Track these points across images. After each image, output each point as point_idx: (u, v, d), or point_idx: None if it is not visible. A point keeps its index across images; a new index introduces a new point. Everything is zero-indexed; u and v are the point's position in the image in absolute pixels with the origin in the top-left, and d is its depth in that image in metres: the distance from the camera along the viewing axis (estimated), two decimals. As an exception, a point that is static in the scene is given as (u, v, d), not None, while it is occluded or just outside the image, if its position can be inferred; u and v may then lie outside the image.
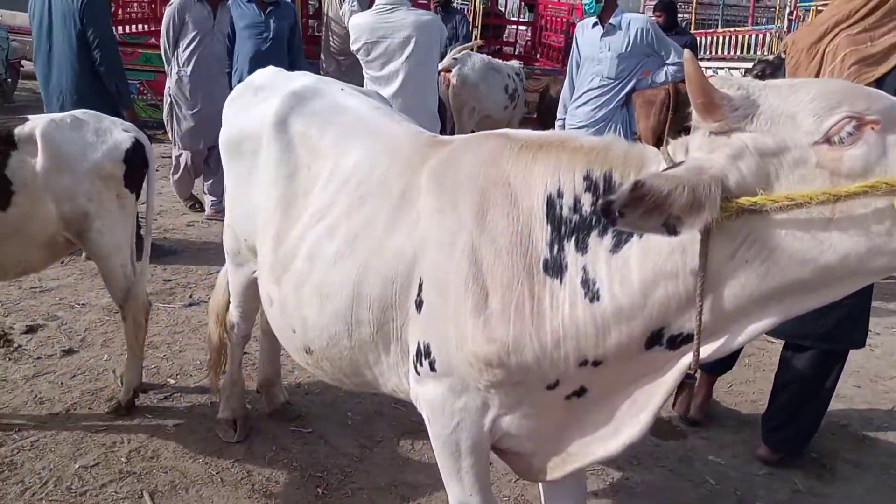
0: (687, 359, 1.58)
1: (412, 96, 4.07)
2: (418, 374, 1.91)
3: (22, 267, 3.12)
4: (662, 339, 1.58)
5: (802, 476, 3.16)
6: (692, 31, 10.98)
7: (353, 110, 2.31)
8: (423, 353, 1.86)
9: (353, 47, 4.22)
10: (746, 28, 10.05)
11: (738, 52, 9.53)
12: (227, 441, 3.08)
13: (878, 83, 2.65)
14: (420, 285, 1.85)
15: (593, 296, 1.59)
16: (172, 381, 3.58)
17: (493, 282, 1.69)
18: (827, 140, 1.26)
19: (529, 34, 12.66)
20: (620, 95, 4.90)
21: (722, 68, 9.55)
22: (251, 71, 5.17)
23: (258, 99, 2.51)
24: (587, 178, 1.62)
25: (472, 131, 7.86)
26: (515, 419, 1.84)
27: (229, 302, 2.95)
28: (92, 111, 3.26)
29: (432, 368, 1.85)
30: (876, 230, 1.27)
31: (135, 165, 3.13)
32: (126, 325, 3.25)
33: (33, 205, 2.92)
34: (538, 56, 11.86)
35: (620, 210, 1.27)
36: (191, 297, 4.61)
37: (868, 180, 1.24)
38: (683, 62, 4.10)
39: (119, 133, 3.13)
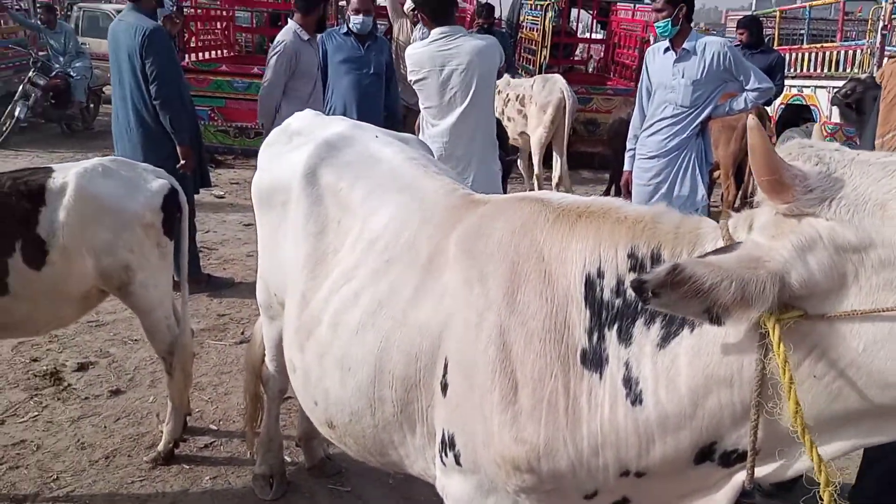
0: (742, 476, 1.32)
1: (473, 126, 3.89)
2: (444, 464, 1.70)
3: (55, 324, 3.07)
4: (714, 455, 1.33)
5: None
6: (776, 48, 10.45)
7: (387, 161, 2.12)
8: (449, 444, 1.65)
9: (410, 78, 4.07)
10: (835, 44, 9.39)
11: (826, 70, 8.91)
12: (263, 498, 2.93)
13: None
14: (445, 366, 1.64)
15: (636, 398, 1.35)
16: (214, 427, 3.48)
17: (523, 372, 1.47)
18: None
19: (602, 52, 12.35)
20: (695, 124, 4.57)
21: (808, 87, 8.98)
22: (356, 107, 5.16)
23: (292, 146, 2.36)
24: (632, 255, 1.39)
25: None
26: None
27: (265, 354, 2.80)
28: (122, 159, 3.22)
29: (457, 462, 1.64)
30: None
31: (171, 212, 3.03)
32: (173, 377, 3.14)
33: (69, 262, 2.83)
34: (611, 75, 11.53)
35: (654, 290, 1.06)
36: (243, 333, 4.52)
37: None
38: (765, 89, 3.72)
39: (154, 180, 3.05)
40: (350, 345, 1.86)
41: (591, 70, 12.61)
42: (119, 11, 12.01)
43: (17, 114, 9.61)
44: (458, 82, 3.83)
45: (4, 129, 9.55)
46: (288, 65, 4.94)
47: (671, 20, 4.41)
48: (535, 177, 7.62)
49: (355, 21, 5.16)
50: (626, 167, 5.04)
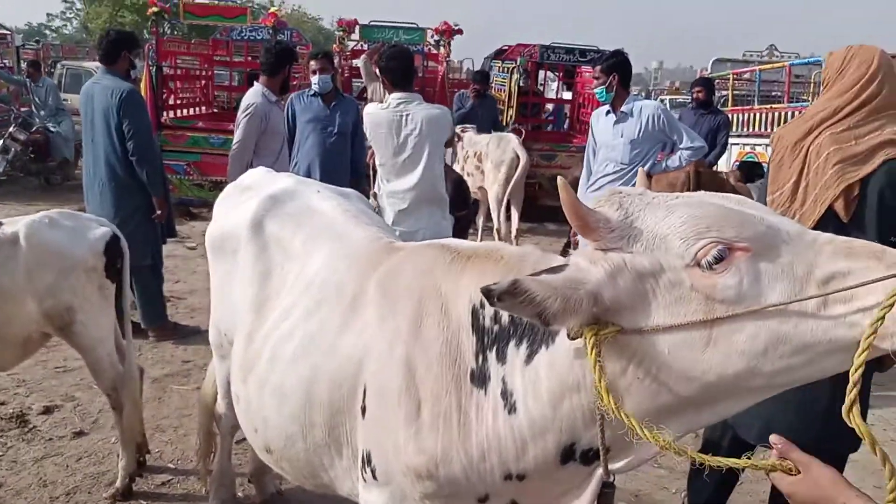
0: (601, 470, 1.57)
1: (424, 188, 4.19)
2: (364, 480, 1.91)
3: None
4: (576, 454, 1.57)
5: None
6: (730, 107, 10.99)
7: (324, 213, 2.39)
8: (367, 461, 1.87)
9: (368, 134, 4.37)
10: (783, 105, 9.98)
11: (774, 129, 9.48)
12: (215, 531, 3.09)
13: (862, 183, 2.60)
14: (364, 391, 1.88)
15: (511, 407, 1.59)
16: (173, 466, 3.64)
17: (425, 392, 1.72)
18: (697, 264, 1.26)
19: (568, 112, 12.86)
20: (634, 181, 4.90)
21: (760, 145, 9.49)
22: (320, 164, 5.42)
23: (243, 199, 2.63)
24: None
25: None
26: None
27: (217, 393, 3.01)
28: (68, 211, 3.45)
29: (374, 476, 1.86)
30: (750, 353, 1.26)
31: (113, 258, 3.28)
32: (121, 413, 3.33)
33: (15, 306, 3.05)
34: (576, 133, 12.02)
35: (498, 296, 1.29)
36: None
37: (740, 306, 1.24)
38: (697, 147, 4.10)
39: (97, 228, 3.30)
40: (285, 375, 2.10)
41: (564, 127, 13.13)
42: (100, 70, 12.41)
43: (-4, 167, 9.85)
44: (412, 147, 4.14)
45: (-17, 182, 9.77)
46: (258, 125, 5.23)
47: (605, 87, 4.80)
48: (495, 230, 7.93)
49: (314, 81, 5.48)
50: (576, 221, 5.35)
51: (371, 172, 4.83)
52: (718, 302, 1.26)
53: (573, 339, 1.42)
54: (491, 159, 7.87)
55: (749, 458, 1.36)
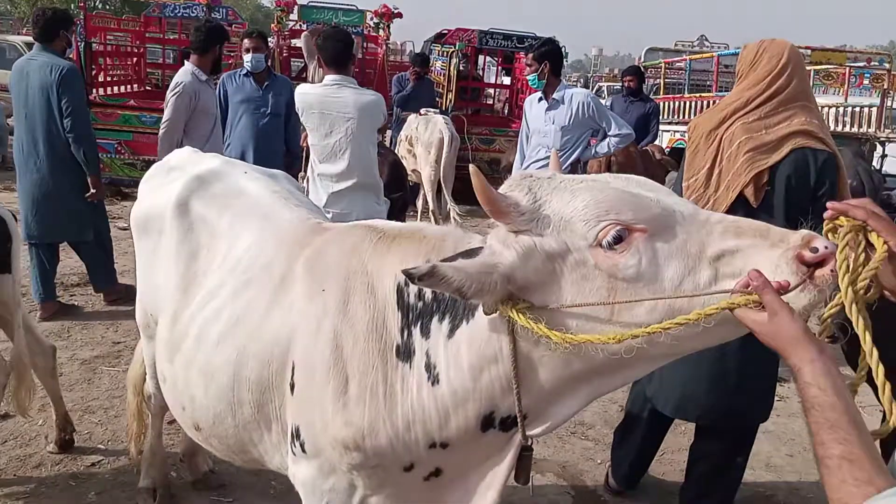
0: (520, 436, 1.67)
1: (356, 172, 4.20)
2: (294, 454, 1.97)
3: None
4: (495, 422, 1.66)
5: (719, 549, 3.17)
6: (662, 95, 11.30)
7: (251, 194, 2.42)
8: (295, 435, 1.93)
9: (300, 114, 4.37)
10: (711, 94, 10.34)
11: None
12: (146, 510, 3.10)
13: (771, 170, 2.77)
14: (293, 369, 1.93)
15: (434, 379, 1.68)
16: (103, 447, 3.62)
17: (352, 367, 1.79)
18: (599, 245, 1.37)
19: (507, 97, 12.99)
20: (565, 166, 5.05)
21: (683, 132, 9.78)
22: (253, 146, 5.36)
23: (168, 179, 2.63)
24: None
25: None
26: (382, 500, 1.90)
27: (146, 372, 3.01)
28: None
29: (303, 450, 1.91)
30: (649, 325, 1.37)
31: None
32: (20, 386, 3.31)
33: None
34: (515, 119, 12.15)
35: (419, 278, 1.39)
36: (137, 360, 4.65)
37: (639, 283, 1.36)
38: (625, 135, 4.27)
39: None
40: (212, 355, 2.13)
41: (505, 113, 13.23)
42: (28, 44, 11.90)
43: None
44: (343, 131, 4.15)
45: None
46: (187, 104, 5.16)
47: (538, 74, 4.93)
48: (430, 212, 8.01)
49: (247, 60, 5.41)
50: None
51: (304, 154, 4.83)
52: (620, 280, 1.38)
53: (489, 314, 1.51)
54: (421, 142, 7.95)
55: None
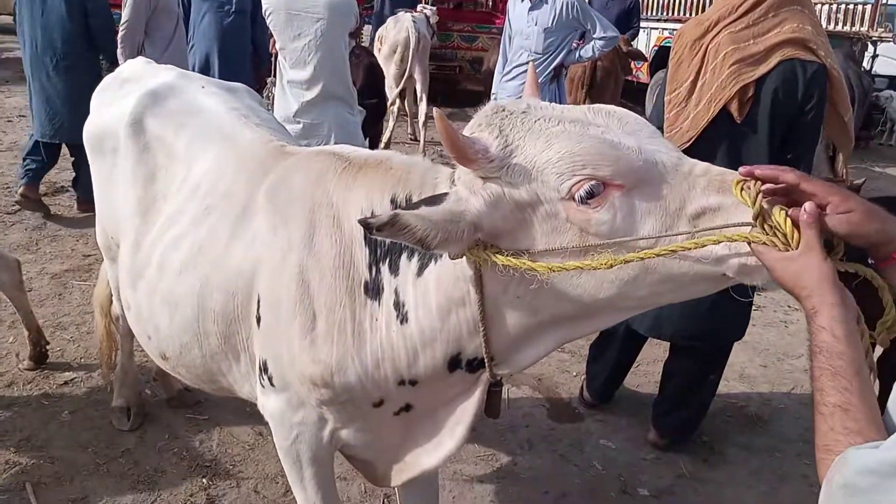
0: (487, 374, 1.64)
1: (327, 77, 3.98)
2: (262, 386, 1.94)
3: None
4: (461, 363, 1.63)
5: (689, 460, 3.25)
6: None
7: (210, 111, 2.27)
8: (263, 368, 1.89)
9: (266, 16, 4.10)
10: (704, -13, 9.93)
11: (694, 14, 9.43)
12: (121, 429, 3.10)
13: (757, 83, 2.63)
14: (259, 301, 1.86)
15: (403, 318, 1.63)
16: (76, 365, 3.58)
17: (319, 303, 1.72)
18: (572, 198, 1.26)
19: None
20: (548, 70, 4.86)
21: (671, 29, 9.47)
22: (218, 48, 5.07)
23: (122, 93, 2.46)
24: (392, 201, 1.65)
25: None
26: (352, 433, 1.89)
27: (112, 294, 2.93)
28: None
29: (272, 383, 1.88)
30: (621, 281, 1.31)
31: None
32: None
33: None
34: (499, 14, 11.65)
35: (377, 227, 1.30)
36: (109, 273, 4.57)
37: (612, 239, 1.27)
38: (610, 38, 4.06)
39: None
40: (175, 284, 2.05)
41: (489, 6, 12.65)
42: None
43: None
44: (312, 33, 3.90)
45: None
46: (147, 3, 4.85)
47: (520, -30, 4.63)
48: (389, 111, 7.76)
49: None
50: (489, 109, 5.30)
51: (273, 58, 4.57)
52: (592, 235, 1.29)
53: (455, 259, 1.43)
54: (388, 41, 7.66)
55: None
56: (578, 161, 1.26)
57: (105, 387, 3.35)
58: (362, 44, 7.40)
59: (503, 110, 1.37)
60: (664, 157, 1.29)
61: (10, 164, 6.32)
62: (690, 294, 1.37)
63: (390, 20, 7.91)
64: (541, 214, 1.32)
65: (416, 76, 7.76)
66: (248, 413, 3.27)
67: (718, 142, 2.70)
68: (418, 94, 7.98)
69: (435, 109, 1.32)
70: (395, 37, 7.65)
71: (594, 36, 4.75)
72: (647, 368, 3.97)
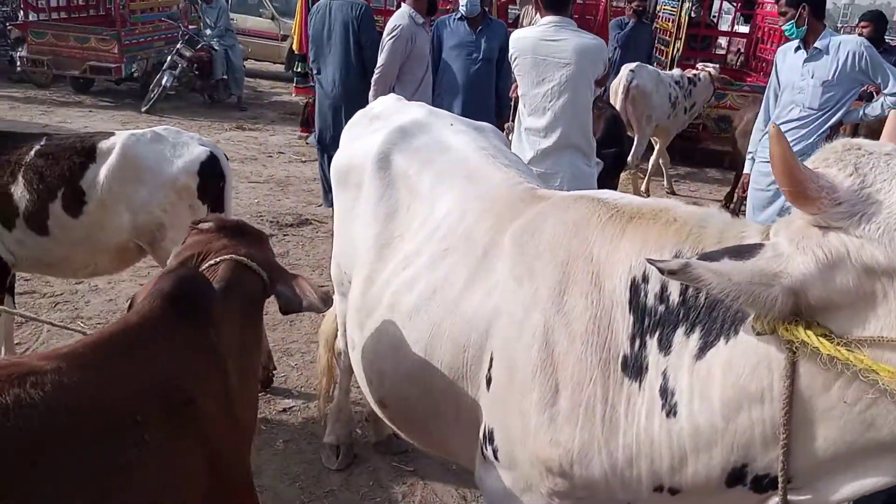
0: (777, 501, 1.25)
1: (567, 125, 3.78)
2: (484, 457, 1.71)
3: (90, 270, 3.36)
4: (746, 479, 1.26)
5: None
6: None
7: (457, 149, 2.13)
8: (488, 438, 1.66)
9: (512, 61, 4.01)
10: None
11: None
12: (328, 467, 3.04)
13: None
14: (491, 360, 1.64)
15: (670, 409, 1.30)
16: (296, 393, 3.62)
17: (564, 375, 1.45)
18: None
19: (744, 47, 11.65)
20: (823, 128, 4.23)
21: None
22: (463, 95, 5.20)
23: (371, 129, 2.41)
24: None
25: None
26: None
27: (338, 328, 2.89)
28: (173, 128, 3.42)
29: (495, 457, 1.64)
30: None
31: (209, 178, 3.22)
32: None
33: (106, 214, 3.10)
34: (750, 72, 10.87)
35: (668, 271, 1.08)
36: (337, 305, 4.67)
37: None
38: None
39: (196, 147, 3.24)
40: (404, 328, 1.90)
41: (736, 65, 11.92)
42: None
43: (164, 82, 10.27)
44: (557, 78, 3.73)
45: (153, 96, 10.25)
46: (403, 48, 5.00)
47: (795, 21, 4.10)
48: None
49: (462, 3, 5.15)
50: (745, 170, 4.78)
51: (513, 105, 4.47)
52: None
53: (760, 334, 1.09)
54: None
55: None
56: None
57: (320, 420, 3.34)
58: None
59: (859, 148, 1.03)
60: None
61: (264, 195, 6.87)
62: None
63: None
64: None
65: (635, 126, 7.58)
66: (455, 471, 3.08)
67: None
68: (655, 151, 7.67)
69: (772, 125, 1.01)
70: (616, 85, 7.57)
71: (885, 91, 4.06)
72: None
